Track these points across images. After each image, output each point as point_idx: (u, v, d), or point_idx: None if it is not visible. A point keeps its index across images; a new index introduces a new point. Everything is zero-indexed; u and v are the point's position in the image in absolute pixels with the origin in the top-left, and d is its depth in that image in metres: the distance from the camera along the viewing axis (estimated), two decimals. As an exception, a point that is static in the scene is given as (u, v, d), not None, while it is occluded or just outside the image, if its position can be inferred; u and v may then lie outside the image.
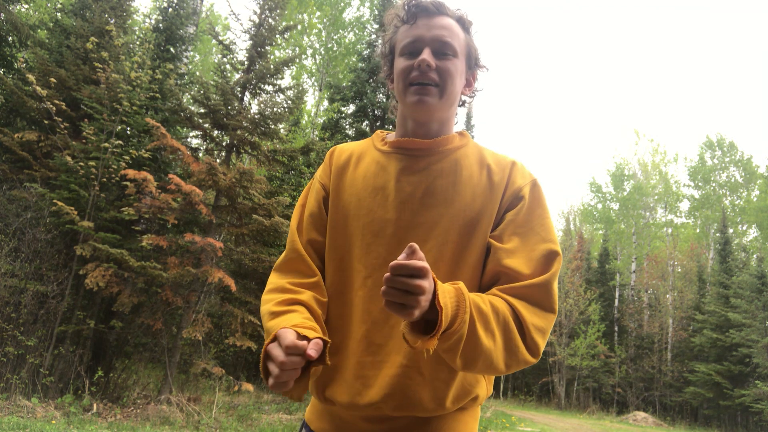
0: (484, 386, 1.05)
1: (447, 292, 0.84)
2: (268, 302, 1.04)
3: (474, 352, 0.88)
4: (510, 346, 0.92)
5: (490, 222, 1.03)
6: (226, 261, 7.47)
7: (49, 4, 11.56)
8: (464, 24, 1.11)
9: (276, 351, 0.81)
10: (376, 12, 13.11)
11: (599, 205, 30.39)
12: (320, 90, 18.75)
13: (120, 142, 6.54)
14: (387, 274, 0.76)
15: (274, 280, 1.11)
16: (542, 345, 0.95)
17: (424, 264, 0.76)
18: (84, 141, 6.58)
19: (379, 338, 1.00)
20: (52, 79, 6.59)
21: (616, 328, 22.92)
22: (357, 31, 19.33)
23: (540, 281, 0.96)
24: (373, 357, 1.00)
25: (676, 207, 28.03)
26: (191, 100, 7.76)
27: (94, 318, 6.37)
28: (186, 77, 9.29)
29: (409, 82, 1.05)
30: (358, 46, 17.20)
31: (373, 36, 12.75)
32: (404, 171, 1.07)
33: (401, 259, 0.76)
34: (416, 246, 0.78)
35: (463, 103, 1.18)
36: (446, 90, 1.06)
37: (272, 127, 7.44)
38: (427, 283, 0.76)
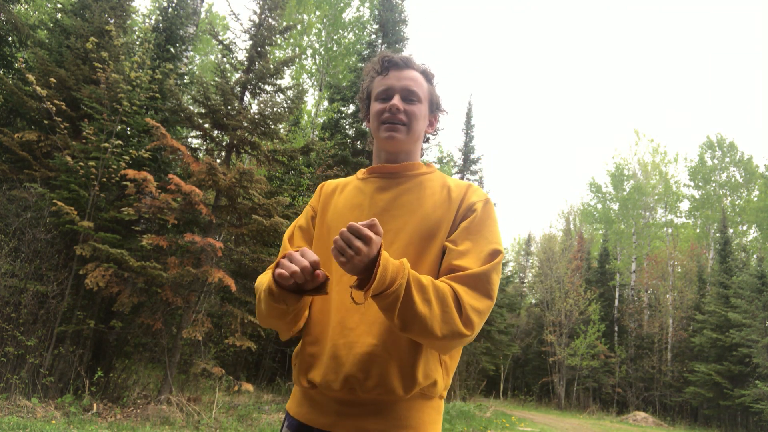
0: (441, 373, 1.18)
1: (389, 262, 1.02)
2: (262, 276, 1.24)
3: (409, 313, 1.03)
4: (446, 317, 1.06)
5: (447, 229, 1.23)
6: (226, 261, 7.46)
7: (49, 4, 11.54)
8: (428, 76, 1.37)
9: (297, 256, 1.04)
10: (376, 12, 13.09)
11: (599, 205, 30.40)
12: (320, 90, 18.74)
13: (120, 142, 6.54)
14: (342, 229, 0.97)
15: (267, 272, 1.27)
16: (478, 323, 1.10)
17: (370, 233, 0.96)
18: (84, 141, 6.57)
19: (351, 323, 1.16)
20: (52, 79, 6.58)
21: (616, 328, 22.92)
22: (357, 31, 19.31)
23: (479, 271, 1.13)
24: (345, 339, 1.15)
25: (676, 207, 28.04)
26: (191, 100, 7.75)
27: (94, 318, 6.36)
28: (186, 77, 9.28)
29: (382, 121, 1.30)
30: (358, 46, 17.19)
31: (373, 36, 12.75)
32: (378, 190, 1.31)
33: (359, 224, 0.97)
34: (377, 221, 0.99)
35: (427, 140, 1.56)
36: (411, 128, 1.31)
37: (272, 127, 7.43)
38: (365, 248, 0.96)
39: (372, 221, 0.99)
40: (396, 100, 1.28)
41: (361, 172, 1.41)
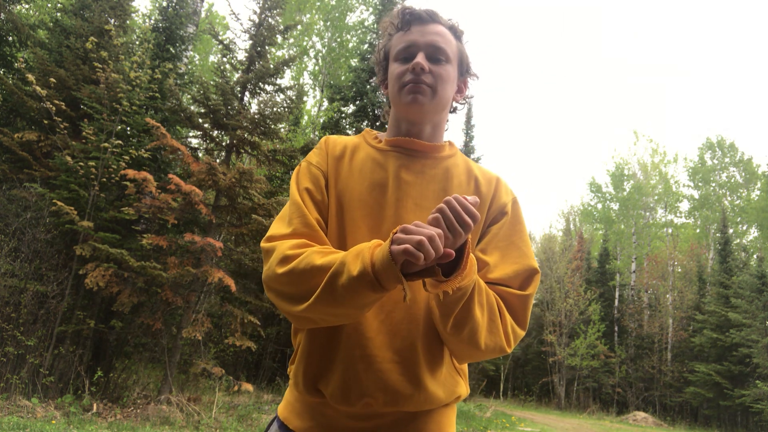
0: (463, 386, 1.10)
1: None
2: (307, 256, 0.94)
3: (466, 316, 0.94)
4: (492, 327, 0.98)
5: (477, 231, 1.09)
6: (226, 261, 7.46)
7: (49, 4, 11.54)
8: (456, 32, 1.15)
9: (427, 229, 0.82)
10: (379, 15, 13.12)
11: (599, 205, 30.38)
12: (321, 91, 18.74)
13: (120, 142, 6.53)
14: (449, 198, 0.85)
15: (288, 243, 1.00)
16: (515, 342, 1.03)
17: (477, 213, 0.85)
18: (84, 141, 6.57)
19: (369, 331, 1.00)
20: (52, 79, 6.58)
21: (616, 328, 22.91)
22: (361, 34, 19.29)
23: (522, 294, 1.04)
24: (362, 351, 1.00)
25: (676, 207, 28.02)
26: (191, 100, 7.75)
27: (94, 318, 6.36)
28: (186, 77, 9.28)
29: (403, 83, 1.08)
30: (360, 46, 17.19)
31: (374, 37, 12.75)
32: (402, 169, 1.10)
33: (467, 199, 0.86)
34: (479, 200, 0.88)
35: (454, 110, 1.22)
36: (438, 92, 1.09)
37: (272, 127, 7.43)
38: (471, 228, 0.85)
39: (476, 199, 0.86)
40: (420, 58, 1.06)
41: (370, 136, 1.17)
